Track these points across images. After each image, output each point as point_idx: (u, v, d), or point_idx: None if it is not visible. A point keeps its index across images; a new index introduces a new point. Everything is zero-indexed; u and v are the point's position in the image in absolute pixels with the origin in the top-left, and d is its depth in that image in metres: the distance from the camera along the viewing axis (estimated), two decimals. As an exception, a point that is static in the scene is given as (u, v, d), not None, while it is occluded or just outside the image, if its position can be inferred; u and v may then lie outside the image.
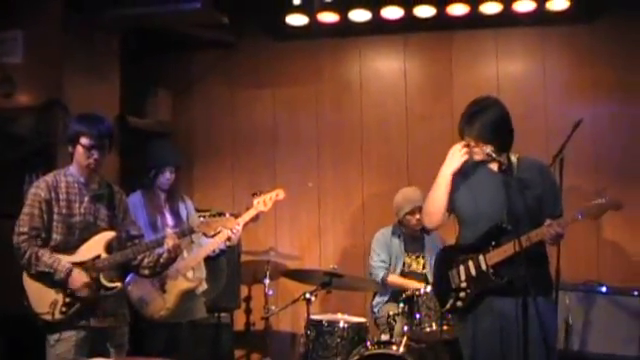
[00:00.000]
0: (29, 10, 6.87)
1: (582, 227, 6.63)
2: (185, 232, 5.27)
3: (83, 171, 4.93)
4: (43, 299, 4.74)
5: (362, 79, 7.97)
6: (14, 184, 6.34)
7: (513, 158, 4.73)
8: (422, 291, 5.93)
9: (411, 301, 5.98)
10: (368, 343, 5.96)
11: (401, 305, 6.05)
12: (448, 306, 4.81)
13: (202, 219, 5.32)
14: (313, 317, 6.24)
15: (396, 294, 6.43)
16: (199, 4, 6.75)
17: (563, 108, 7.32)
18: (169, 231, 5.27)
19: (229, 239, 6.07)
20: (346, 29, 7.72)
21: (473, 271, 4.66)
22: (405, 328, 5.94)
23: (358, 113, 7.93)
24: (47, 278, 4.75)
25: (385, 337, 6.02)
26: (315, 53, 8.07)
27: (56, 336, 4.75)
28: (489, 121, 4.65)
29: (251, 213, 6.11)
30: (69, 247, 4.81)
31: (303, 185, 7.80)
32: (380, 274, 6.69)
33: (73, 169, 4.95)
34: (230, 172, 8.22)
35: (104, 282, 4.85)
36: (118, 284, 4.93)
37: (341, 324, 6.15)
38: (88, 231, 4.89)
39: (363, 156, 7.90)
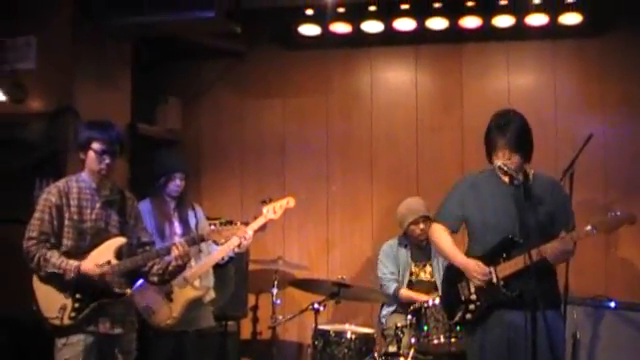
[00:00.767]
0: (42, 17, 6.90)
1: (591, 241, 6.58)
2: (195, 240, 5.26)
3: (95, 177, 4.94)
4: (52, 304, 4.74)
5: (372, 90, 7.97)
6: (25, 190, 6.34)
7: (529, 173, 4.73)
8: (430, 303, 5.91)
9: (419, 313, 5.97)
10: (375, 354, 5.95)
11: (409, 317, 6.03)
12: (457, 318, 4.82)
13: (212, 227, 5.31)
14: (320, 327, 6.22)
15: (404, 305, 6.41)
16: (213, 13, 6.76)
17: (573, 122, 7.32)
18: (178, 239, 5.26)
19: (239, 246, 6.06)
20: (358, 40, 7.74)
21: (486, 278, 4.65)
22: (412, 340, 5.91)
23: (368, 124, 7.94)
24: (57, 282, 4.75)
25: (392, 349, 6.01)
26: (326, 63, 8.07)
27: (64, 340, 4.75)
28: (518, 131, 4.68)
29: (261, 220, 6.10)
30: (80, 252, 4.80)
31: (312, 195, 7.79)
32: (392, 287, 6.67)
33: (85, 175, 4.95)
34: (239, 180, 8.22)
35: (114, 288, 4.85)
36: (128, 290, 4.94)
37: (348, 334, 6.14)
38: (99, 237, 4.89)
39: (372, 167, 7.90)
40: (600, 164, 7.20)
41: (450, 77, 7.80)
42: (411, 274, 6.77)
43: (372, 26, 7.48)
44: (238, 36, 7.55)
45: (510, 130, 4.66)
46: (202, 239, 5.31)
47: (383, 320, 6.72)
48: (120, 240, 4.93)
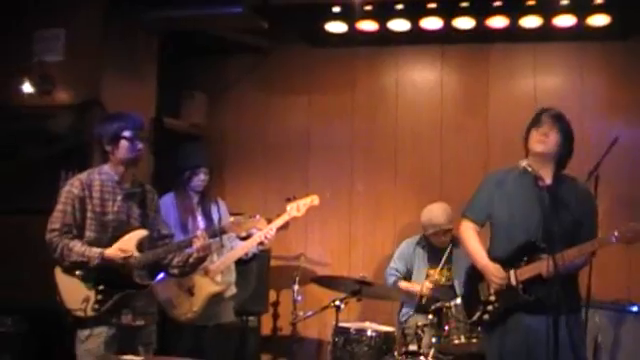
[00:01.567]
0: (71, 9, 6.96)
1: (614, 245, 6.60)
2: (216, 232, 5.28)
3: (123, 165, 4.97)
4: (75, 295, 4.76)
5: (398, 89, 7.97)
6: (49, 180, 6.37)
7: (560, 176, 4.73)
8: (452, 303, 5.90)
9: (440, 313, 5.96)
10: (395, 353, 5.94)
11: (429, 317, 6.03)
12: (475, 318, 4.83)
13: (232, 219, 5.33)
14: (341, 324, 6.22)
15: (424, 305, 6.40)
16: (240, 9, 6.78)
17: (599, 124, 7.28)
18: (199, 231, 5.29)
19: (262, 243, 6.08)
20: (384, 38, 7.73)
21: (503, 284, 4.64)
22: (433, 339, 5.91)
23: (393, 123, 7.93)
24: (80, 273, 4.78)
25: (413, 347, 6.01)
26: (352, 61, 8.08)
27: (87, 332, 4.77)
28: (570, 127, 4.80)
29: (284, 218, 6.11)
30: (102, 244, 4.82)
31: (335, 192, 7.78)
32: (391, 280, 6.82)
33: (107, 168, 4.98)
34: (262, 177, 8.24)
35: (135, 280, 4.88)
36: (149, 282, 4.98)
37: (369, 332, 6.12)
38: (121, 229, 4.91)
39: (396, 166, 7.89)
40: (626, 167, 7.15)
41: (476, 77, 7.79)
42: (427, 276, 6.76)
43: (399, 24, 7.45)
44: (265, 32, 7.57)
45: (562, 115, 4.76)
46: (223, 231, 5.34)
47: (403, 319, 6.72)
48: (141, 232, 4.96)
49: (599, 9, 7.02)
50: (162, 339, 5.38)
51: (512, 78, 7.69)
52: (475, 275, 4.87)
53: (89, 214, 4.87)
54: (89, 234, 4.86)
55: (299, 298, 6.99)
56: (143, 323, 4.96)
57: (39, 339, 6.20)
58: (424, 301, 6.21)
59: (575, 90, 7.48)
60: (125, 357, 4.45)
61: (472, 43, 7.73)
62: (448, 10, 7.26)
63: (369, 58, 8.06)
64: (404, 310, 6.77)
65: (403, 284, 6.79)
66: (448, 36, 7.59)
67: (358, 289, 6.11)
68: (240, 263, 6.29)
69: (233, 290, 6.21)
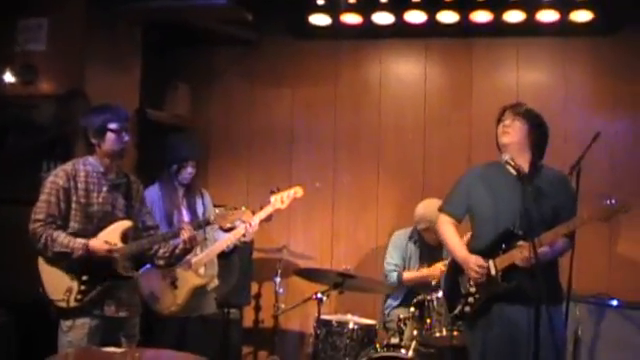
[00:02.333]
0: (55, -1, 6.92)
1: (595, 239, 6.69)
2: (201, 224, 5.33)
3: (109, 157, 4.97)
4: (59, 286, 4.77)
5: (382, 82, 7.97)
6: (32, 171, 6.36)
7: (537, 166, 4.76)
8: (434, 296, 5.92)
9: (422, 306, 5.98)
10: (377, 345, 5.96)
11: (411, 309, 6.05)
12: (456, 311, 4.86)
13: (218, 211, 5.34)
14: (323, 317, 6.24)
15: (408, 298, 6.42)
16: (224, 0, 6.77)
17: (582, 120, 7.31)
18: (185, 222, 5.30)
19: (244, 235, 6.08)
20: (368, 31, 7.72)
21: (483, 275, 4.67)
22: (415, 332, 5.93)
23: (376, 116, 7.94)
24: (63, 263, 4.78)
25: (395, 340, 6.03)
26: (336, 54, 8.07)
27: (69, 323, 4.78)
28: (536, 113, 4.85)
29: (268, 210, 6.12)
30: (86, 235, 4.82)
31: (315, 185, 7.79)
32: (394, 276, 6.68)
33: (92, 159, 4.98)
34: (246, 169, 8.23)
35: (120, 271, 4.87)
36: (134, 273, 4.98)
37: (351, 325, 6.15)
38: (105, 220, 4.92)
39: (380, 159, 7.90)
40: (607, 162, 7.19)
41: (459, 71, 7.79)
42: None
43: (383, 18, 7.46)
44: (249, 24, 7.56)
45: (529, 107, 4.83)
46: (208, 222, 5.38)
47: (386, 312, 6.73)
48: (126, 223, 4.96)
49: (582, 4, 7.05)
50: (145, 331, 5.37)
51: (495, 72, 7.70)
52: (455, 269, 4.90)
53: (74, 205, 4.86)
54: (74, 225, 4.85)
55: (281, 290, 7.01)
56: (126, 314, 4.97)
57: (22, 330, 6.18)
58: (433, 294, 6.15)
59: (558, 85, 7.50)
60: (107, 349, 4.45)
61: (456, 37, 7.73)
62: (432, 4, 7.28)
63: (353, 51, 8.05)
64: (388, 302, 6.77)
65: (409, 275, 6.69)
66: (432, 30, 7.58)
67: (340, 282, 6.12)
68: (222, 255, 6.29)
69: (216, 282, 6.21)
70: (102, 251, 4.78)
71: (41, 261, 4.84)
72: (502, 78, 7.66)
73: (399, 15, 7.39)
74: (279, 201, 6.15)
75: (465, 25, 7.39)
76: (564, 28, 7.29)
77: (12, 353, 6.16)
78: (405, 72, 7.99)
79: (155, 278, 5.73)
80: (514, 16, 7.22)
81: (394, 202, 7.79)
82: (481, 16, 7.27)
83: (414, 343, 5.84)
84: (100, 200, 4.93)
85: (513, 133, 4.75)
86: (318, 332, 6.17)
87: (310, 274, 6.49)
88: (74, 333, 4.76)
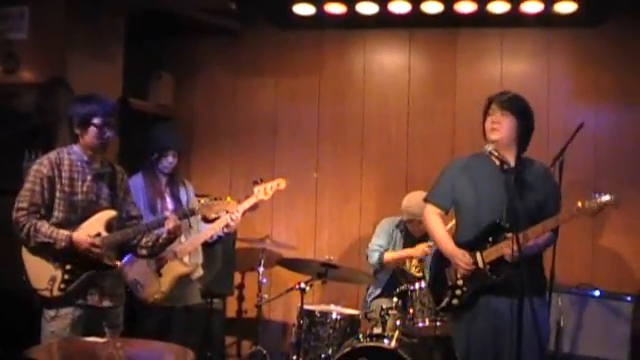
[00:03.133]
0: (35, -14, 6.87)
1: (578, 231, 6.71)
2: (186, 213, 5.31)
3: (90, 150, 4.93)
4: (42, 275, 4.74)
5: (366, 72, 7.97)
6: (14, 160, 6.32)
7: (522, 158, 4.77)
8: (416, 286, 5.93)
9: (405, 296, 5.99)
10: (360, 335, 5.96)
11: (394, 299, 6.06)
12: (444, 304, 4.83)
13: (203, 200, 5.32)
14: (306, 307, 6.24)
15: (390, 288, 6.42)
16: (208, -11, 6.76)
17: (565, 110, 7.34)
18: (169, 212, 5.28)
19: (227, 226, 6.07)
20: (352, 21, 7.71)
21: (470, 268, 4.67)
22: (397, 322, 5.94)
23: (360, 106, 7.94)
24: (47, 252, 4.75)
25: (377, 330, 6.03)
26: (320, 44, 8.07)
27: (53, 312, 4.75)
28: (524, 104, 4.81)
29: (251, 201, 6.11)
30: (70, 224, 4.80)
31: (301, 175, 7.79)
32: (375, 255, 6.67)
33: (76, 148, 4.94)
34: (229, 159, 8.22)
35: (104, 260, 4.86)
36: (117, 263, 4.96)
37: (334, 315, 6.17)
38: (90, 209, 4.89)
39: (363, 149, 7.90)
40: (591, 153, 7.23)
41: (443, 62, 7.80)
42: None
43: (367, 7, 7.45)
44: (233, 14, 7.55)
45: (516, 98, 4.80)
46: (193, 212, 5.36)
47: (369, 299, 6.73)
48: (110, 213, 4.94)
49: (566, -4, 7.08)
50: (129, 321, 5.35)
51: (479, 63, 7.71)
52: (441, 260, 4.89)
53: (58, 194, 4.83)
54: (58, 214, 4.82)
55: (264, 280, 7.02)
56: (110, 304, 4.95)
57: (5, 319, 6.14)
58: (415, 274, 6.13)
59: (541, 76, 7.52)
60: (89, 339, 4.43)
61: (440, 27, 7.74)
62: (416, -6, 7.29)
63: (337, 41, 8.05)
64: (370, 291, 6.77)
65: (390, 255, 6.67)
66: (416, 20, 7.59)
67: (323, 272, 6.13)
68: (205, 245, 6.29)
69: (200, 272, 6.20)
70: (85, 244, 4.76)
71: (25, 250, 4.81)
72: (486, 68, 7.68)
73: (383, 5, 7.39)
74: (262, 192, 6.14)
75: (449, 15, 7.39)
76: (548, 19, 7.31)
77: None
78: (389, 62, 7.99)
79: (140, 266, 5.71)
80: (498, 7, 7.23)
81: (377, 192, 7.80)
82: (465, 6, 7.27)
83: (397, 333, 5.84)
84: (84, 189, 4.90)
85: (502, 129, 4.71)
86: (301, 322, 6.18)
87: (293, 264, 6.49)
88: (57, 322, 4.73)
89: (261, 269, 7.00)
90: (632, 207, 6.92)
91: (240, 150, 8.19)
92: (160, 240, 5.13)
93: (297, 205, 7.96)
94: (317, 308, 6.36)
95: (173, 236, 5.13)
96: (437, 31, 7.79)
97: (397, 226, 6.82)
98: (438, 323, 5.72)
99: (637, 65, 7.26)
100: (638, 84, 7.25)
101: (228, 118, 8.22)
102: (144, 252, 5.17)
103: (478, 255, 4.65)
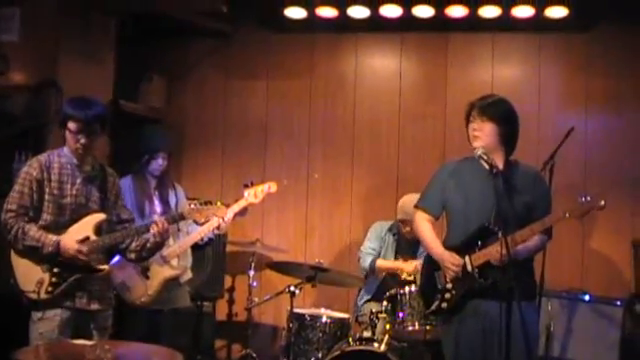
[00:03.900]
0: (27, -11, 6.86)
1: (567, 235, 6.72)
2: (175, 218, 5.26)
3: (71, 153, 4.91)
4: (30, 277, 4.73)
5: (357, 76, 7.97)
6: (4, 162, 6.30)
7: (511, 162, 4.77)
8: (406, 290, 5.93)
9: (395, 300, 5.98)
10: (350, 339, 5.95)
11: (384, 303, 6.05)
12: (433, 307, 4.83)
13: (192, 206, 5.31)
14: (296, 310, 6.23)
15: (381, 292, 6.42)
16: (199, -10, 6.75)
17: (556, 115, 7.37)
18: (158, 217, 5.27)
19: (218, 227, 6.07)
20: (344, 25, 7.72)
21: (459, 271, 4.67)
22: (387, 326, 5.93)
23: (351, 109, 7.93)
24: (35, 255, 4.74)
25: (367, 334, 6.01)
26: (311, 47, 8.06)
27: (40, 314, 4.74)
28: (505, 108, 4.78)
29: (242, 204, 6.10)
30: (59, 227, 4.80)
31: (292, 178, 7.77)
32: (368, 259, 6.66)
33: (66, 150, 4.93)
34: (219, 161, 8.21)
35: (92, 264, 4.84)
36: (105, 266, 4.93)
37: (324, 319, 6.15)
38: (79, 212, 4.88)
39: (354, 152, 7.89)
40: (581, 157, 7.25)
41: (435, 66, 7.80)
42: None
43: (358, 11, 7.45)
44: (225, 17, 7.54)
45: (499, 104, 4.78)
46: (182, 217, 5.31)
47: (360, 303, 6.73)
48: (100, 216, 4.93)
49: (557, 1, 7.08)
50: (118, 324, 5.35)
51: (470, 67, 7.71)
52: (431, 264, 4.89)
53: (47, 196, 4.82)
54: (46, 216, 4.82)
55: (254, 284, 7.00)
56: (98, 307, 4.93)
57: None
58: (407, 277, 6.13)
59: (533, 80, 7.53)
60: (78, 341, 4.42)
61: (431, 32, 7.74)
62: (408, -2, 7.30)
63: (328, 45, 8.04)
64: (361, 295, 6.76)
65: (382, 262, 6.65)
66: (408, 24, 7.59)
67: (313, 275, 6.13)
68: (195, 248, 6.28)
69: (189, 275, 6.20)
70: (72, 251, 4.75)
71: (13, 252, 4.81)
72: (477, 72, 7.68)
73: (375, 9, 7.39)
74: (252, 195, 6.13)
75: (441, 19, 7.40)
76: (539, 24, 7.33)
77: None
78: (380, 66, 7.99)
79: (128, 268, 5.71)
80: (489, 11, 7.24)
81: (368, 195, 7.80)
82: (457, 11, 7.28)
83: (387, 337, 5.83)
84: (74, 192, 4.88)
85: (483, 137, 4.70)
86: (291, 326, 6.16)
87: (283, 267, 6.49)
88: (45, 325, 4.73)
89: (251, 272, 6.99)
90: (622, 211, 6.96)
91: (231, 152, 8.18)
92: (148, 245, 5.09)
93: (288, 208, 7.95)
94: (307, 311, 6.34)
95: (161, 241, 5.10)
96: (428, 35, 7.79)
97: (389, 230, 6.81)
98: (428, 327, 5.72)
99: (627, 70, 7.29)
100: (628, 89, 7.29)
101: (219, 121, 8.21)
102: (132, 256, 5.14)
103: (467, 259, 4.65)
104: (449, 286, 4.73)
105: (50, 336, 4.70)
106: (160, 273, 5.84)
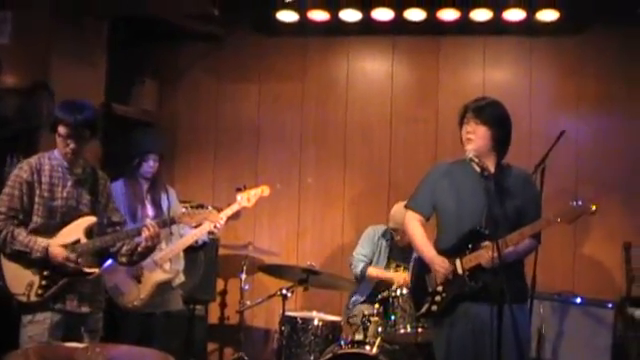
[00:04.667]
0: (19, -8, 6.85)
1: (559, 238, 6.74)
2: (166, 222, 5.26)
3: (61, 156, 4.91)
4: (20, 280, 4.72)
5: (349, 79, 7.98)
6: (-5, 164, 6.30)
7: (503, 165, 4.78)
8: (398, 292, 5.93)
9: (386, 302, 5.98)
10: (342, 342, 5.95)
11: (376, 306, 6.06)
12: (424, 310, 4.83)
13: (184, 210, 5.30)
14: (288, 313, 6.24)
15: (373, 295, 6.42)
16: (191, -5, 6.75)
17: (547, 118, 7.38)
18: (149, 221, 5.26)
19: (211, 232, 6.07)
20: (336, 28, 7.73)
21: (449, 275, 4.68)
22: (379, 329, 5.94)
23: (343, 113, 7.94)
24: (24, 259, 4.73)
25: (359, 337, 6.02)
26: (303, 50, 8.07)
27: (30, 317, 4.73)
28: (499, 112, 4.78)
29: (234, 208, 6.10)
30: (49, 230, 4.79)
31: (284, 181, 7.77)
32: (359, 266, 6.66)
33: (57, 153, 4.91)
34: (212, 165, 8.20)
35: (82, 267, 4.83)
36: (96, 270, 4.92)
37: (315, 322, 6.16)
38: (69, 215, 4.86)
39: (346, 156, 7.90)
40: (572, 160, 7.27)
41: (426, 69, 7.82)
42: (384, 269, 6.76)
43: (350, 15, 7.47)
44: (216, 20, 7.54)
45: (491, 108, 4.78)
46: (173, 221, 5.31)
47: (350, 307, 6.73)
48: (90, 219, 4.91)
49: (548, 4, 7.12)
50: (109, 326, 5.34)
51: (462, 70, 7.73)
52: (422, 267, 4.89)
53: (37, 199, 4.81)
54: (37, 219, 4.80)
55: (247, 287, 6.99)
56: (89, 310, 4.92)
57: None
58: (397, 291, 6.13)
59: (524, 83, 7.55)
60: (68, 344, 4.41)
61: (423, 35, 7.76)
62: (399, 1, 7.31)
63: (320, 48, 8.05)
64: (353, 298, 6.77)
65: (374, 271, 6.66)
66: (399, 27, 7.61)
67: (305, 278, 6.14)
68: (189, 251, 6.28)
69: (181, 278, 6.20)
70: (60, 258, 4.73)
71: (2, 255, 4.80)
72: (469, 76, 7.70)
73: (366, 12, 7.42)
74: (245, 199, 6.14)
75: (432, 23, 7.43)
76: (530, 27, 7.36)
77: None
78: (372, 69, 8.00)
79: (120, 272, 5.70)
80: (481, 14, 7.27)
81: (360, 198, 7.81)
82: (448, 14, 7.30)
83: (378, 339, 5.84)
84: (64, 195, 4.87)
85: (476, 139, 4.71)
86: (283, 329, 6.17)
87: (275, 270, 6.51)
88: (35, 327, 4.71)
89: (243, 276, 6.97)
90: (613, 214, 6.97)
91: (223, 156, 8.17)
92: (139, 249, 5.07)
93: (280, 211, 7.95)
94: (299, 314, 6.35)
95: (152, 245, 5.07)
96: (420, 38, 7.81)
97: (383, 235, 6.81)
98: (419, 330, 5.72)
99: (618, 72, 7.32)
100: (619, 91, 7.31)
101: (211, 124, 8.21)
102: (124, 260, 5.12)
103: (457, 262, 4.66)
104: (439, 289, 4.73)
105: (40, 339, 4.68)
106: (152, 277, 5.84)
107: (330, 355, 5.78)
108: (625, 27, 7.21)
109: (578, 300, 6.68)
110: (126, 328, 5.87)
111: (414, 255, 5.68)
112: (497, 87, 7.45)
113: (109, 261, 5.32)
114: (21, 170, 4.84)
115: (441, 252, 4.76)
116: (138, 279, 5.82)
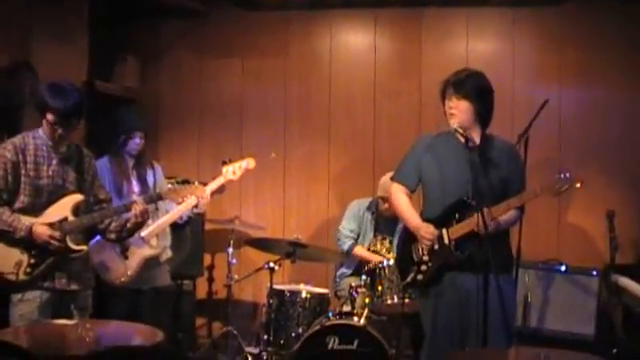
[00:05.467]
0: (-3, -30, 6.79)
1: (543, 207, 6.78)
2: (153, 198, 5.28)
3: (49, 137, 4.89)
4: (7, 259, 4.71)
5: (332, 53, 7.97)
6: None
7: (487, 136, 4.80)
8: (385, 264, 5.97)
9: (373, 274, 6.03)
10: (330, 314, 6.00)
11: (363, 277, 6.10)
12: (409, 279, 4.86)
13: (170, 186, 5.31)
14: (275, 287, 6.27)
15: (360, 268, 6.45)
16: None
17: (530, 88, 7.41)
18: (136, 197, 5.26)
19: (196, 206, 6.08)
20: (318, 2, 7.74)
21: (435, 244, 4.71)
22: (366, 300, 5.98)
23: (326, 87, 7.94)
24: (9, 238, 4.72)
25: (347, 308, 6.07)
26: (285, 25, 8.05)
27: (19, 296, 4.74)
28: (480, 84, 4.77)
29: (220, 181, 6.12)
30: (36, 209, 4.78)
31: (269, 156, 7.78)
32: (347, 243, 6.72)
33: (42, 132, 4.89)
34: (196, 141, 8.20)
35: (70, 245, 4.84)
36: (84, 247, 4.93)
37: (303, 294, 6.20)
38: (56, 194, 4.85)
39: (330, 130, 7.91)
40: (555, 130, 7.31)
41: (409, 42, 7.82)
42: (369, 242, 6.80)
43: (332, -12, 7.48)
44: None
45: (471, 81, 4.76)
46: (160, 197, 5.32)
47: (338, 280, 6.77)
48: (77, 197, 4.91)
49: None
50: (98, 303, 5.35)
51: (445, 42, 7.73)
52: (408, 237, 4.92)
53: (23, 178, 4.78)
54: (23, 198, 4.78)
55: (234, 261, 7.01)
56: (78, 287, 4.92)
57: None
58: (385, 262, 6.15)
59: (507, 54, 7.57)
60: (58, 321, 4.43)
61: (405, 7, 7.76)
62: (381, -26, 7.31)
63: (303, 22, 8.03)
64: (340, 271, 6.80)
65: (360, 251, 6.72)
66: (381, 0, 7.60)
67: (292, 251, 6.17)
68: (175, 227, 6.29)
69: (169, 254, 6.22)
70: (44, 236, 4.73)
71: (-11, 235, 4.80)
72: (451, 48, 7.70)
73: (348, -15, 7.41)
74: (231, 172, 6.16)
75: (415, -5, 7.43)
76: (513, -2, 7.37)
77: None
78: (355, 43, 7.99)
79: (106, 248, 5.71)
80: (463, -14, 7.28)
81: (345, 173, 7.83)
82: (430, -14, 7.31)
83: (366, 311, 5.88)
84: (50, 173, 4.86)
85: (459, 114, 4.71)
86: (271, 302, 6.21)
87: (262, 244, 6.54)
88: (25, 306, 4.72)
89: (230, 250, 6.98)
90: (597, 183, 7.01)
91: (207, 131, 8.17)
92: (128, 225, 5.09)
93: (265, 186, 7.96)
94: (286, 288, 6.38)
95: (141, 221, 5.10)
96: (402, 11, 7.81)
97: (368, 208, 6.83)
98: (407, 300, 5.74)
99: (600, 42, 7.35)
100: (601, 61, 7.34)
101: (194, 100, 8.20)
102: (112, 236, 5.14)
103: (444, 232, 4.69)
104: (425, 258, 4.76)
105: (30, 317, 4.69)
106: (139, 253, 5.85)
107: (318, 327, 5.81)
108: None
109: (563, 268, 6.74)
110: (114, 305, 5.89)
111: (399, 226, 5.72)
112: (480, 59, 7.44)
113: (96, 238, 5.34)
114: (5, 150, 4.81)
115: (427, 222, 4.78)
116: (125, 255, 5.82)
